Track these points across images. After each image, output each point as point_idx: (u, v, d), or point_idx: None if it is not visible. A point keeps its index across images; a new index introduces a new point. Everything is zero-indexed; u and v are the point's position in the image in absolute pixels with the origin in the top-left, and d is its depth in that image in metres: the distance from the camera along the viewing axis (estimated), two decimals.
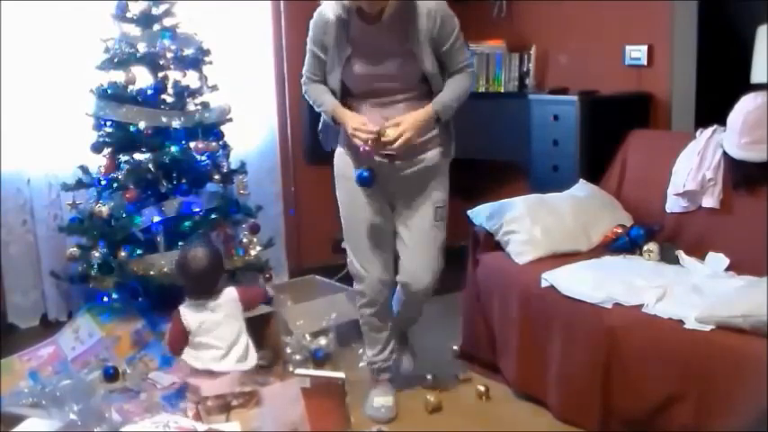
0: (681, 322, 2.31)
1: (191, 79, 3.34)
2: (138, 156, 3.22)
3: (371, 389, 2.80)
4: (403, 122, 2.41)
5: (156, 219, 3.12)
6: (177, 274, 2.83)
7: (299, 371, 2.59)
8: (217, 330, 2.70)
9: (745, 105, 2.78)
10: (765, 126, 2.70)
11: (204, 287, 2.75)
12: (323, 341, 3.05)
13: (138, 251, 3.12)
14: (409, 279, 2.65)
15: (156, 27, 3.24)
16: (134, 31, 3.22)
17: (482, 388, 2.85)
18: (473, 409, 2.78)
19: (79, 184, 3.28)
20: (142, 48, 3.21)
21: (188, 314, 2.72)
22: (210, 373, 2.64)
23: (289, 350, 3.01)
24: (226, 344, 2.70)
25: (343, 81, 2.53)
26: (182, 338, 2.73)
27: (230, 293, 2.79)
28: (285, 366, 2.95)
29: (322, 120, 2.66)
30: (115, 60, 3.17)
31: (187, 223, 3.18)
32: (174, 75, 3.30)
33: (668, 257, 2.88)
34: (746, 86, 2.96)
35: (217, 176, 3.31)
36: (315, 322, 3.06)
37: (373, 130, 2.39)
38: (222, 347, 2.69)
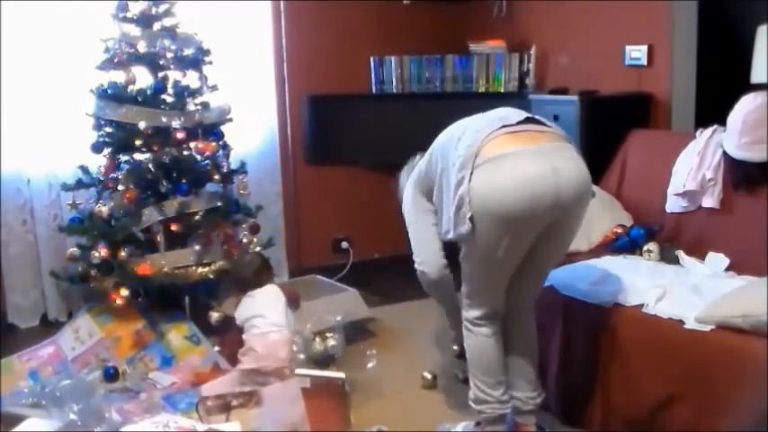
0: (681, 322, 2.31)
1: (191, 79, 3.33)
2: (138, 156, 3.22)
3: None
4: None
5: (156, 219, 3.12)
6: None
7: (299, 371, 2.59)
8: None
9: (745, 105, 2.78)
10: (765, 126, 2.70)
11: None
12: (328, 341, 3.04)
13: (138, 251, 3.12)
14: None
15: (156, 27, 3.23)
16: (134, 31, 3.21)
17: None
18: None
19: (79, 184, 3.26)
20: (142, 48, 3.20)
21: None
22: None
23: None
24: None
25: None
26: None
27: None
28: None
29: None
30: (115, 60, 3.17)
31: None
32: (174, 75, 3.29)
33: (668, 257, 2.88)
34: (746, 86, 2.96)
35: (217, 176, 3.31)
36: (318, 322, 3.05)
37: None
38: None
